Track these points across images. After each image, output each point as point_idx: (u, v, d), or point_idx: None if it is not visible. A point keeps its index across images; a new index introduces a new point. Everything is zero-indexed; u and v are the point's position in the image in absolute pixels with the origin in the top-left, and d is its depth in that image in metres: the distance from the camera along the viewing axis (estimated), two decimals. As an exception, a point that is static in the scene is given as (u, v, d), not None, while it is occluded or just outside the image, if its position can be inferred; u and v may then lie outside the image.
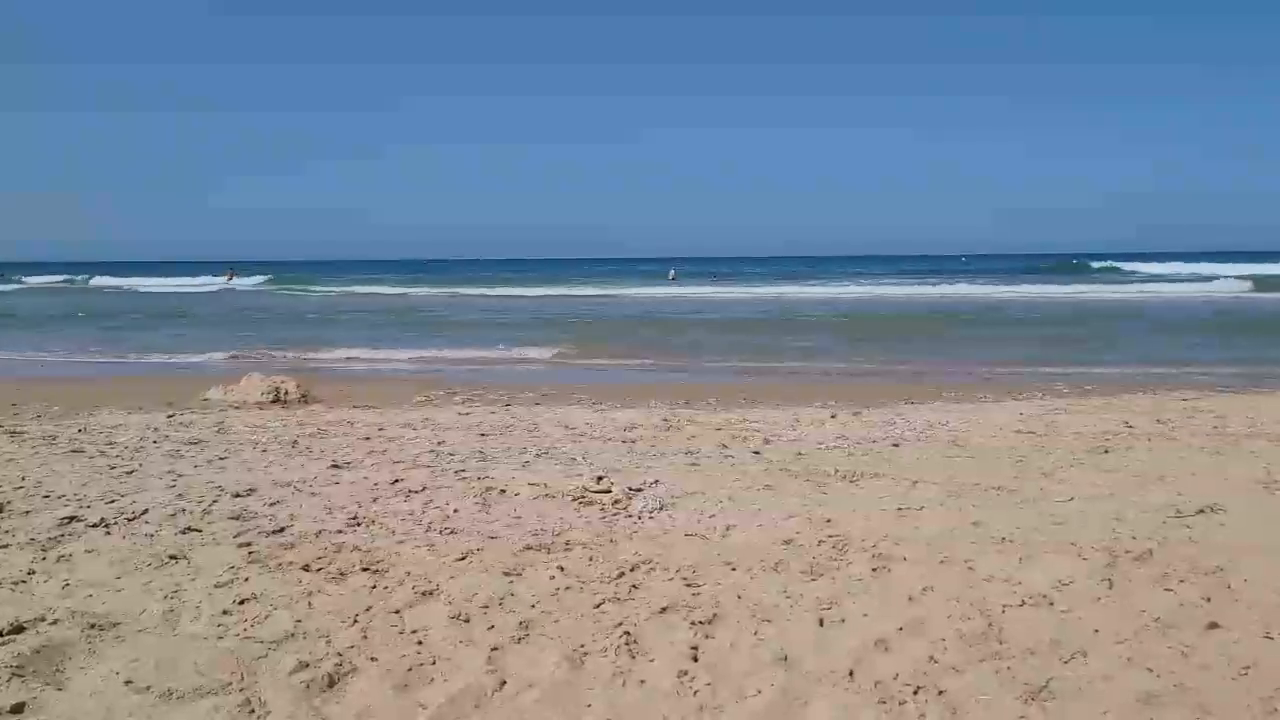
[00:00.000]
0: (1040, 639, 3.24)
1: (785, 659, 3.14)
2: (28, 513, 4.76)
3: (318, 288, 48.57)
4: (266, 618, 3.45)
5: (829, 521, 4.62)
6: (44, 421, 8.16)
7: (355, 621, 3.43)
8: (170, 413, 8.74)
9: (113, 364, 15.13)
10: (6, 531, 4.42)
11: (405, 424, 7.98)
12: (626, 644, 3.24)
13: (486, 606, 3.56)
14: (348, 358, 15.65)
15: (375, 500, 5.09)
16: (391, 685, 3.00)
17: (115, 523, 4.59)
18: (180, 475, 5.71)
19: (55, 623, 3.34)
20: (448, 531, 4.50)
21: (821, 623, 3.41)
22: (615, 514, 4.86)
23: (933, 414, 8.55)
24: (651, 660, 3.14)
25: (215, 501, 5.03)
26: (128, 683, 2.95)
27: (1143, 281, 43.55)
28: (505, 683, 3.02)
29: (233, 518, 4.71)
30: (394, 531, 4.50)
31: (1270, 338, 17.55)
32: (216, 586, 3.73)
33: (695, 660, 3.14)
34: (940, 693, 2.92)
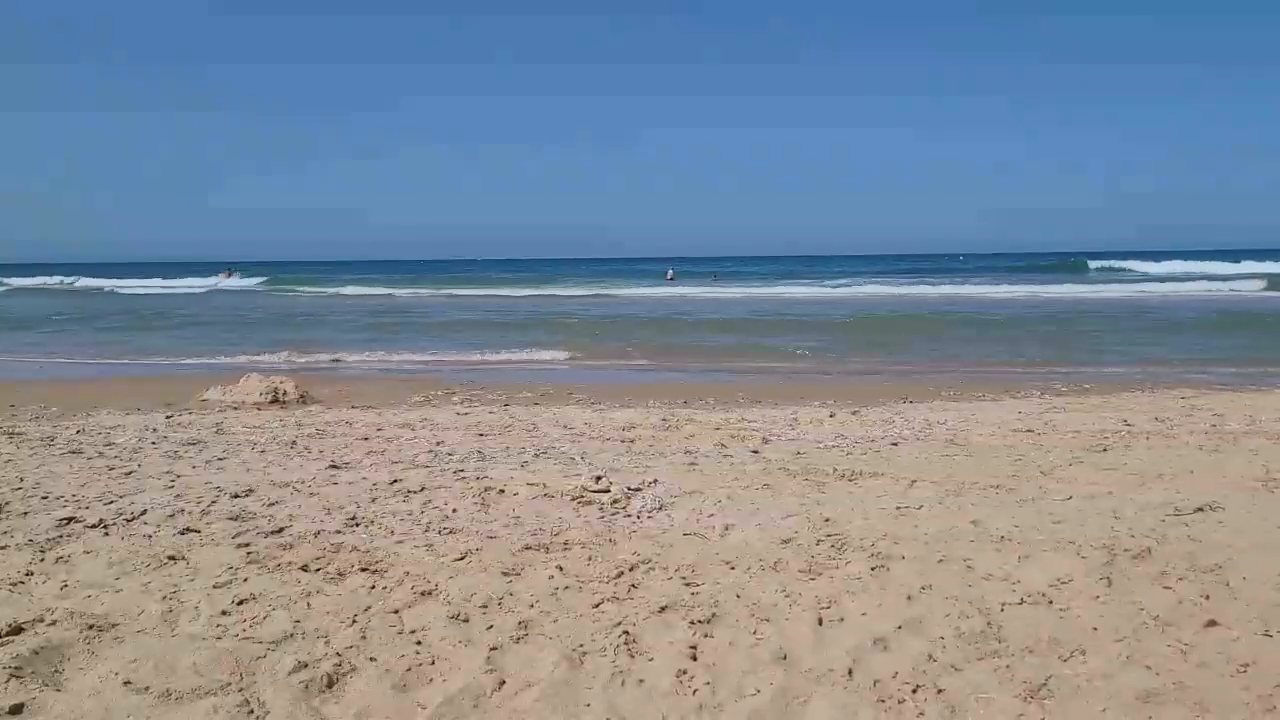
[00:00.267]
0: (1039, 637, 3.24)
1: (784, 658, 3.14)
2: (26, 514, 4.75)
3: (309, 288, 48.28)
4: (265, 618, 3.44)
5: (828, 521, 4.62)
6: (42, 422, 8.15)
7: (354, 622, 3.42)
8: (168, 413, 8.74)
9: (111, 365, 15.11)
10: (5, 532, 4.41)
11: (404, 424, 7.98)
12: (625, 643, 3.24)
13: (485, 606, 3.56)
14: (334, 359, 15.64)
15: (374, 500, 5.09)
16: (390, 685, 3.00)
17: (114, 523, 4.59)
18: (179, 476, 5.71)
19: (54, 623, 3.33)
20: (446, 531, 4.50)
21: (820, 622, 3.41)
22: (614, 514, 4.86)
23: (931, 413, 8.56)
24: (650, 660, 3.14)
25: (214, 502, 5.02)
26: (126, 683, 2.95)
27: (1139, 281, 43.54)
28: (504, 683, 3.02)
29: (231, 518, 4.71)
30: (393, 532, 4.50)
31: (1269, 336, 17.56)
32: (215, 587, 3.73)
33: (694, 659, 3.14)
34: (939, 691, 2.92)
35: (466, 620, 3.44)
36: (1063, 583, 3.69)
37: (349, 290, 45.52)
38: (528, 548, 4.22)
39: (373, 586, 3.75)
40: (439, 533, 4.49)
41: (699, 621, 3.41)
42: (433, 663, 3.14)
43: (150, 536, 4.39)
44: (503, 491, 5.28)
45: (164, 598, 3.61)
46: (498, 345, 17.38)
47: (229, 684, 2.97)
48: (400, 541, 4.34)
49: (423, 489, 5.33)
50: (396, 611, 3.52)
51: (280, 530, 4.51)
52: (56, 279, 63.29)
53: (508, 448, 6.78)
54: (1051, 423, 7.80)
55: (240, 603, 3.57)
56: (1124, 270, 52.49)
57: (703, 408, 9.28)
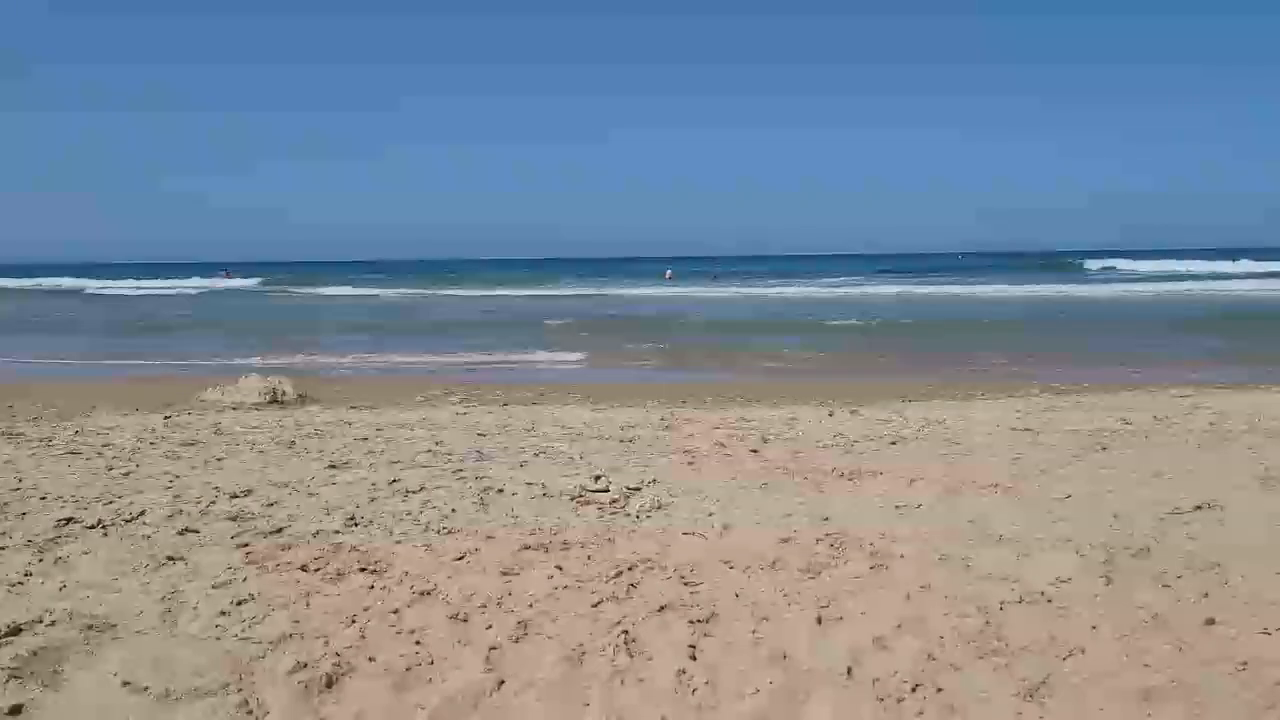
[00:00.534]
0: (1038, 636, 3.24)
1: (783, 657, 3.14)
2: (25, 514, 4.74)
3: (307, 288, 48.08)
4: (264, 618, 3.44)
5: (827, 520, 4.62)
6: (40, 423, 8.15)
7: (353, 621, 3.42)
8: (167, 414, 8.73)
9: (109, 366, 15.10)
10: (3, 533, 4.41)
11: (403, 424, 7.97)
12: (625, 643, 3.23)
13: (484, 606, 3.56)
14: (332, 359, 15.64)
15: (372, 500, 5.09)
16: (390, 685, 2.99)
17: (112, 524, 4.58)
18: (177, 476, 5.70)
19: (53, 624, 3.33)
20: (445, 531, 4.50)
21: (819, 621, 3.41)
22: (613, 513, 4.86)
23: (930, 412, 8.56)
24: (650, 659, 3.14)
25: (212, 502, 5.02)
26: (126, 684, 2.95)
27: (1138, 281, 43.55)
28: (503, 682, 3.02)
29: (230, 518, 4.70)
30: (391, 531, 4.50)
31: (1268, 334, 17.57)
32: (214, 587, 3.73)
33: (693, 659, 3.14)
34: (938, 690, 2.92)
35: (466, 620, 3.44)
36: (1062, 581, 3.69)
37: (345, 290, 45.48)
38: (527, 547, 4.22)
39: (372, 586, 3.75)
40: (438, 532, 4.48)
41: (698, 621, 3.41)
42: (432, 663, 3.14)
43: (149, 537, 4.38)
44: (502, 491, 5.28)
45: (163, 598, 3.61)
46: (496, 345, 17.38)
47: (228, 684, 2.96)
48: (399, 541, 4.33)
49: (422, 489, 5.33)
50: (395, 611, 3.51)
51: (279, 530, 4.51)
52: (34, 281, 61.70)
53: (507, 447, 6.78)
54: (1051, 421, 7.80)
55: (239, 603, 3.57)
56: (1123, 270, 52.53)
57: (701, 407, 9.28)
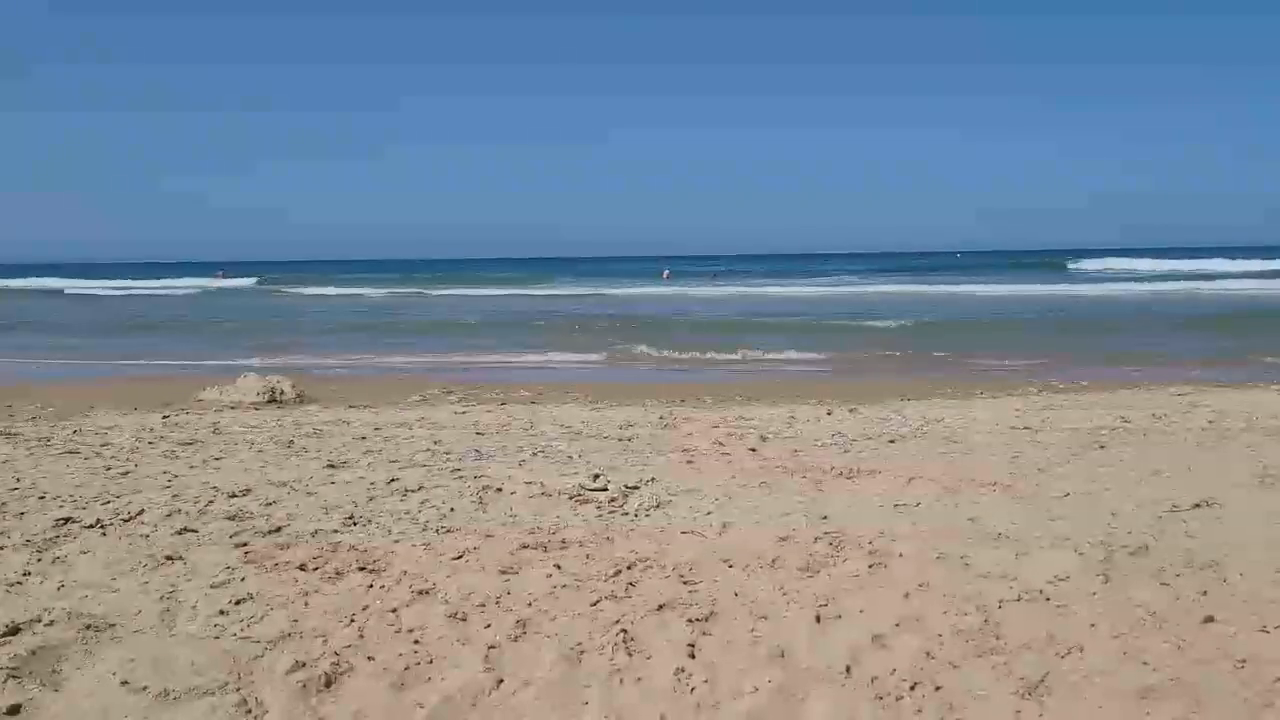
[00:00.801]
0: (1036, 634, 3.25)
1: (782, 656, 3.15)
2: (23, 514, 4.74)
3: (304, 288, 47.90)
4: (263, 617, 3.44)
5: (825, 518, 4.63)
6: (38, 423, 8.14)
7: (352, 621, 3.42)
8: (165, 413, 8.73)
9: (108, 366, 15.10)
10: (2, 533, 4.40)
11: (401, 423, 7.97)
12: (623, 642, 3.24)
13: (483, 605, 3.56)
14: (329, 359, 15.63)
15: (371, 500, 5.09)
16: (388, 684, 2.99)
17: (111, 524, 4.58)
18: (176, 476, 5.70)
19: (51, 624, 3.33)
20: (444, 530, 4.50)
21: (818, 619, 3.41)
22: (612, 512, 4.86)
23: (929, 410, 8.57)
24: (648, 658, 3.14)
25: (211, 502, 5.01)
26: (124, 683, 2.95)
27: (1136, 280, 43.56)
28: (502, 681, 3.02)
29: (228, 518, 4.70)
30: (390, 531, 4.50)
31: (1267, 332, 17.58)
32: (213, 587, 3.72)
33: (692, 658, 3.14)
34: (937, 688, 2.92)
35: (464, 619, 3.44)
36: (1060, 580, 3.70)
37: (343, 290, 45.39)
38: (525, 546, 4.22)
39: (370, 586, 3.75)
40: (436, 531, 4.48)
41: (697, 620, 3.41)
42: (431, 662, 3.14)
43: (147, 536, 4.38)
44: (500, 490, 5.28)
45: (161, 597, 3.61)
46: (494, 344, 17.38)
47: (227, 683, 2.96)
48: (398, 540, 4.33)
49: (420, 488, 5.32)
50: (394, 610, 3.51)
51: (278, 530, 4.51)
52: (11, 281, 60.29)
53: (505, 446, 6.78)
54: (1049, 420, 7.80)
55: (238, 602, 3.57)
56: (1120, 269, 52.54)
57: (700, 406, 9.28)
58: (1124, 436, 6.91)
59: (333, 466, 6.01)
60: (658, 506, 4.94)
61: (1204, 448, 6.39)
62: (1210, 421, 7.51)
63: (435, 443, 6.93)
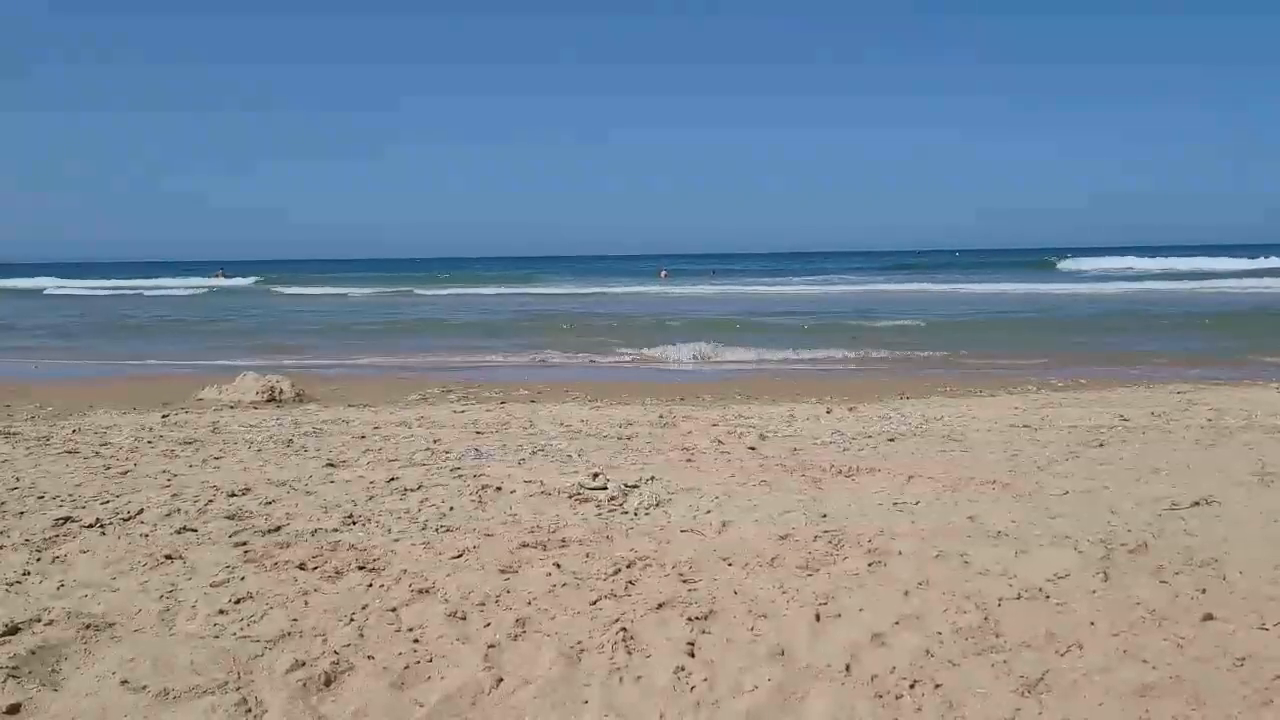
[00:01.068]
0: (1036, 632, 3.25)
1: (781, 654, 3.15)
2: (22, 514, 4.74)
3: (302, 288, 47.76)
4: (262, 617, 3.44)
5: (825, 517, 4.63)
6: (38, 422, 8.14)
7: (351, 620, 3.42)
8: (164, 413, 8.72)
9: (107, 365, 15.09)
10: (1, 532, 4.41)
11: (400, 422, 7.97)
12: (623, 640, 3.24)
13: (483, 604, 3.56)
14: (329, 358, 15.62)
15: (371, 499, 5.09)
16: (388, 683, 2.99)
17: (110, 523, 4.58)
18: (175, 475, 5.70)
19: (51, 623, 3.33)
20: (443, 529, 4.50)
21: (818, 617, 3.41)
22: (611, 511, 4.86)
23: (928, 408, 8.57)
24: (648, 656, 3.14)
25: (210, 501, 5.02)
26: (124, 683, 2.95)
27: (1133, 279, 43.56)
28: (502, 680, 3.02)
29: (228, 517, 4.70)
30: (390, 530, 4.50)
31: (1265, 330, 17.59)
32: (212, 586, 3.73)
33: (692, 656, 3.14)
34: (936, 686, 2.92)
35: (464, 618, 3.44)
36: (1060, 577, 3.70)
37: (341, 289, 45.34)
38: (525, 545, 4.22)
39: (370, 585, 3.75)
40: (436, 531, 4.48)
41: (696, 618, 3.41)
42: (430, 661, 3.14)
43: (147, 536, 4.38)
44: (500, 489, 5.28)
45: (161, 597, 3.61)
46: (493, 343, 17.37)
47: (226, 683, 2.96)
48: (397, 540, 4.33)
49: (420, 487, 5.33)
50: (394, 609, 3.51)
51: (277, 529, 4.51)
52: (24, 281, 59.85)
53: (505, 445, 6.78)
54: (1048, 418, 7.81)
55: (237, 601, 3.57)
56: (1120, 268, 52.51)
57: (699, 404, 9.28)
58: (1123, 435, 6.92)
59: (332, 466, 6.01)
60: (657, 505, 4.94)
61: (1203, 446, 6.39)
62: (1209, 420, 7.51)
63: (434, 442, 6.93)
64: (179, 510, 4.82)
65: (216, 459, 6.29)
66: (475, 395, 10.26)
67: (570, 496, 5.11)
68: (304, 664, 3.08)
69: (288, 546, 4.21)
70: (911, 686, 2.92)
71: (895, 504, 4.88)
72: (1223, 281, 37.79)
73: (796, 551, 4.08)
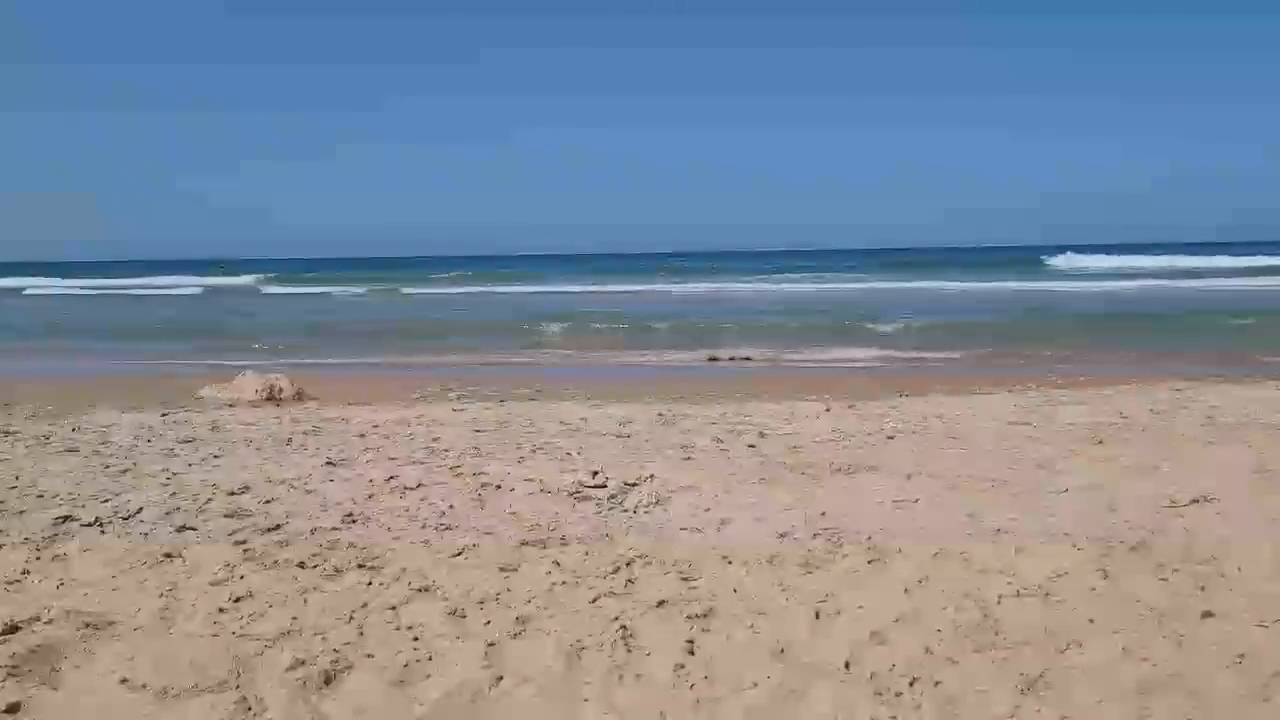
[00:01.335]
0: (1036, 629, 3.25)
1: (781, 652, 3.15)
2: (22, 512, 4.74)
3: (302, 287, 47.52)
4: (262, 615, 3.44)
5: (824, 515, 4.63)
6: (37, 421, 8.13)
7: (351, 618, 3.42)
8: (164, 411, 8.72)
9: (106, 364, 15.08)
10: (1, 531, 4.41)
11: (400, 421, 7.96)
12: (623, 638, 3.24)
13: (482, 602, 3.56)
14: (328, 357, 15.62)
15: (370, 497, 5.09)
16: (388, 681, 3.00)
17: (110, 521, 4.58)
18: (175, 474, 5.70)
19: (50, 622, 3.33)
20: (443, 528, 4.50)
21: (817, 615, 3.41)
22: (611, 509, 4.86)
23: (927, 406, 8.57)
24: (648, 655, 3.15)
25: (210, 500, 5.02)
26: (123, 681, 2.95)
27: (1131, 277, 43.51)
28: (501, 678, 3.02)
29: (227, 516, 4.70)
30: (389, 528, 4.50)
31: (1265, 328, 17.60)
32: (212, 584, 3.73)
33: (692, 654, 3.15)
34: (936, 684, 2.93)
35: (464, 616, 3.45)
36: (1059, 575, 3.70)
37: (341, 288, 45.23)
38: (525, 543, 4.23)
39: (369, 583, 3.75)
40: (436, 529, 4.48)
41: (696, 616, 3.41)
42: (430, 659, 3.14)
43: (146, 534, 4.38)
44: (499, 487, 5.28)
45: (161, 595, 3.61)
46: (493, 342, 17.37)
47: (226, 681, 2.96)
48: (397, 538, 4.34)
49: (419, 485, 5.32)
50: (393, 608, 3.52)
51: (277, 527, 4.51)
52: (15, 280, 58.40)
53: (504, 444, 6.78)
54: (1047, 415, 7.80)
55: (237, 600, 3.57)
56: (1119, 266, 52.45)
57: (699, 402, 9.28)
58: (1122, 432, 6.92)
59: (332, 464, 6.01)
60: (657, 503, 4.94)
61: (1202, 443, 6.39)
62: (1208, 417, 7.51)
63: (434, 440, 6.92)
64: (179, 509, 4.82)
65: (216, 457, 6.28)
66: (475, 393, 10.26)
67: (570, 495, 5.11)
68: (304, 662, 3.08)
69: (287, 545, 4.22)
70: (911, 684, 2.93)
71: (895, 502, 4.88)
72: (1226, 280, 37.75)
73: (796, 549, 4.08)
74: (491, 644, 3.22)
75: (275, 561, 3.99)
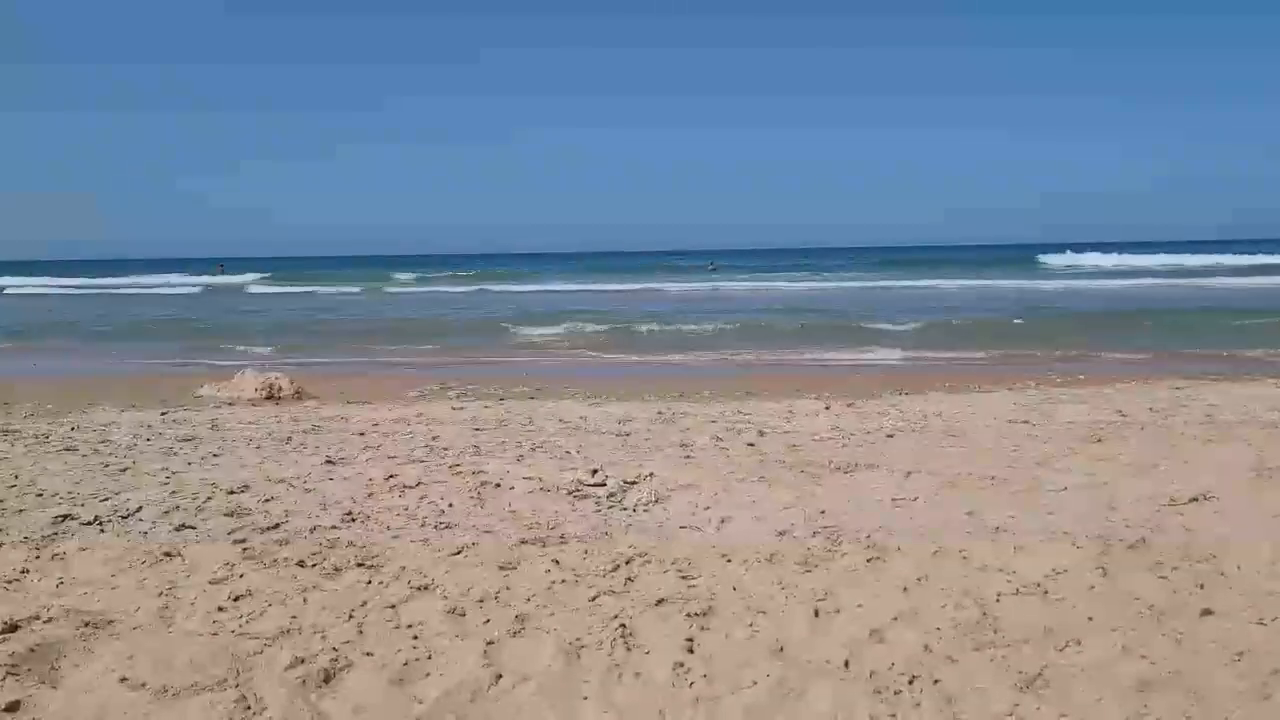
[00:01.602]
0: (1034, 627, 3.25)
1: (780, 650, 3.15)
2: (21, 511, 4.74)
3: (302, 286, 47.45)
4: (261, 614, 3.45)
5: (823, 513, 4.63)
6: (37, 420, 8.13)
7: (350, 617, 3.43)
8: (163, 410, 8.72)
9: (106, 363, 15.08)
10: (1, 530, 4.41)
11: (399, 419, 7.96)
12: (622, 637, 3.24)
13: (482, 601, 3.57)
14: (328, 356, 15.61)
15: (370, 496, 5.09)
16: (387, 680, 3.00)
17: (109, 520, 4.58)
18: (174, 472, 5.70)
19: (50, 621, 3.33)
20: (442, 526, 4.50)
21: (816, 614, 3.41)
22: (610, 507, 4.87)
23: (926, 404, 8.57)
24: (647, 653, 3.15)
25: (209, 498, 5.02)
26: (123, 680, 2.95)
27: (1130, 276, 43.50)
28: (501, 676, 3.02)
29: (227, 514, 4.70)
30: (389, 527, 4.50)
31: (1264, 327, 17.60)
32: (211, 583, 3.73)
33: (691, 652, 3.15)
34: (935, 682, 2.93)
35: (463, 614, 3.45)
36: (1058, 573, 3.71)
37: (340, 288, 45.21)
38: (524, 542, 4.23)
39: (369, 582, 3.76)
40: (435, 528, 4.49)
41: (696, 614, 3.41)
42: (429, 657, 3.14)
43: (146, 533, 4.39)
44: (499, 486, 5.28)
45: (160, 594, 3.61)
46: (493, 341, 17.37)
47: (226, 680, 2.97)
48: (396, 537, 4.34)
49: (419, 484, 5.33)
50: (393, 606, 3.52)
51: (276, 526, 4.51)
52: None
53: (504, 442, 6.78)
54: (1046, 413, 7.81)
55: (236, 599, 3.57)
56: (1117, 265, 52.45)
57: (698, 401, 9.28)
58: (1122, 431, 6.92)
59: (331, 463, 6.01)
60: (656, 501, 4.94)
61: (1201, 441, 6.39)
62: (1207, 415, 7.51)
63: (433, 439, 6.93)
64: (178, 507, 4.83)
65: (215, 456, 6.28)
66: (474, 392, 10.26)
67: (569, 493, 5.11)
68: (303, 661, 3.08)
69: (287, 544, 4.22)
70: (910, 682, 2.93)
71: (894, 500, 4.88)
72: (1226, 279, 37.74)
73: (795, 548, 4.08)
74: (491, 642, 3.23)
75: (275, 560, 3.99)
